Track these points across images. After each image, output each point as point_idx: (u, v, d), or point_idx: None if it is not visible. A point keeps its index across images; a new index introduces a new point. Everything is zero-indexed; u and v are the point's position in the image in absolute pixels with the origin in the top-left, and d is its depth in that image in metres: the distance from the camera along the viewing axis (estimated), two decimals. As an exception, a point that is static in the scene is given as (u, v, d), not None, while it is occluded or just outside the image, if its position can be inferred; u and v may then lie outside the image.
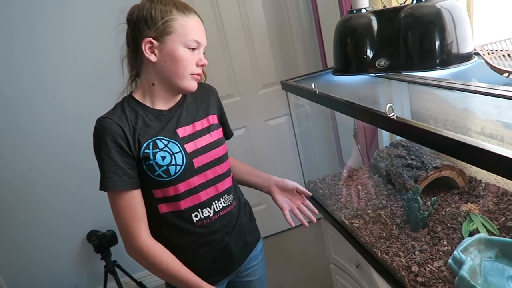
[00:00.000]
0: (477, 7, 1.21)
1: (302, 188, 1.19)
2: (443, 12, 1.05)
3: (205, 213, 1.01)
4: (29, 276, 2.34)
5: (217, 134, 1.07)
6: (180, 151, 0.97)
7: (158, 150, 0.95)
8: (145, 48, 0.93)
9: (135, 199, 0.93)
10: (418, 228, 1.09)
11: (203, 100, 1.10)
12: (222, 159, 1.06)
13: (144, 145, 0.94)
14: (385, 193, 1.33)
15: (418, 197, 1.10)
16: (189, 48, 0.94)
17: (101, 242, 2.21)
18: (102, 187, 0.92)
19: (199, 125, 1.04)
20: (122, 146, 0.92)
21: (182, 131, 1.00)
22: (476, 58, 1.08)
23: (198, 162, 1.00)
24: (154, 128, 0.97)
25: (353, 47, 1.24)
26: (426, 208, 1.15)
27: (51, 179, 2.23)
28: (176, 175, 0.96)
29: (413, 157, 1.31)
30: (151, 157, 0.94)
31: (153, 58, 0.93)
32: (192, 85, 0.98)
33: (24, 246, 2.29)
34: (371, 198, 1.33)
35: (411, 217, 1.10)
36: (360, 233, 1.16)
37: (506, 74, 0.87)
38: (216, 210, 1.03)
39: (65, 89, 2.14)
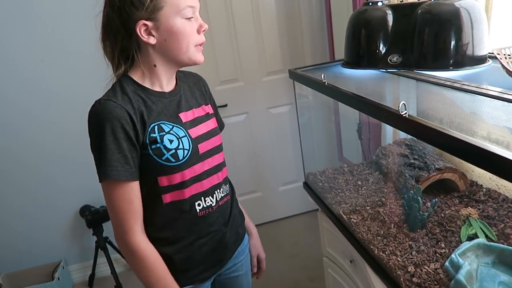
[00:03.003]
0: (496, 9, 1.18)
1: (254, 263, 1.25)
2: (461, 11, 1.03)
3: (208, 202, 0.99)
4: (16, 248, 2.33)
5: (213, 123, 1.05)
6: (186, 135, 0.94)
7: (164, 133, 0.91)
8: (141, 32, 0.86)
9: (134, 191, 0.89)
10: (416, 229, 1.08)
11: (196, 88, 1.06)
12: (220, 148, 1.04)
13: (149, 128, 0.89)
14: (385, 190, 1.32)
15: (419, 197, 1.09)
16: (186, 18, 0.87)
17: (94, 217, 2.20)
18: (104, 176, 0.85)
19: (197, 112, 1.01)
20: (128, 132, 0.86)
21: (184, 116, 0.97)
22: (490, 61, 1.06)
23: (202, 148, 0.97)
24: (157, 111, 0.92)
25: (366, 41, 1.21)
26: (425, 209, 1.14)
27: (47, 151, 2.21)
28: (184, 159, 0.92)
29: (416, 156, 1.30)
30: (159, 140, 0.89)
31: (152, 40, 0.87)
32: (199, 57, 0.92)
33: (13, 217, 2.28)
34: (370, 194, 1.32)
35: (410, 217, 1.09)
36: (357, 229, 1.16)
37: (522, 80, 0.85)
38: (218, 199, 1.01)
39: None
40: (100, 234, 2.23)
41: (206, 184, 0.98)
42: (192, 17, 0.88)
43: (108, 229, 2.31)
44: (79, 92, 2.13)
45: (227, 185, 1.07)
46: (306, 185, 1.55)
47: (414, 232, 1.08)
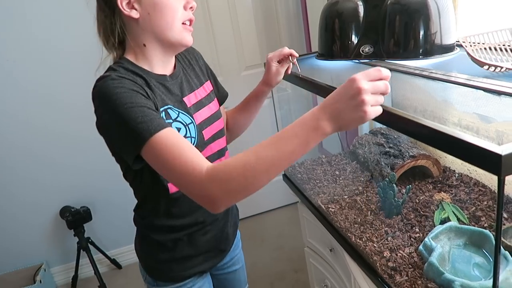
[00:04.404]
0: (462, -1, 1.21)
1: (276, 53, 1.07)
2: (429, 1, 1.05)
3: None
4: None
5: (215, 105, 1.01)
6: (192, 122, 0.89)
7: (171, 120, 0.84)
8: (122, 4, 0.79)
9: (177, 132, 0.77)
10: (392, 215, 1.11)
11: (194, 65, 1.01)
12: (223, 132, 1.01)
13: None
14: (362, 179, 1.35)
15: (394, 185, 1.12)
16: None
17: (75, 218, 2.18)
18: (148, 134, 0.71)
19: (199, 93, 0.96)
20: (145, 93, 0.78)
21: (188, 100, 0.91)
22: (458, 49, 1.09)
23: (206, 134, 0.93)
24: (161, 95, 0.85)
25: (338, 32, 1.23)
26: (401, 195, 1.17)
27: (24, 152, 2.16)
28: None
29: (391, 145, 1.33)
30: None
31: (134, 14, 0.81)
32: (187, 37, 0.86)
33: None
34: (348, 184, 1.34)
35: (386, 204, 1.12)
36: (335, 217, 1.18)
37: (486, 67, 0.88)
38: None
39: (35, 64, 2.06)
40: (82, 235, 2.21)
41: None
42: None
43: (90, 229, 2.29)
44: (58, 90, 2.10)
45: None
46: (286, 177, 1.57)
47: (390, 219, 1.11)
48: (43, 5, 1.97)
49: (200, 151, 0.86)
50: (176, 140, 0.72)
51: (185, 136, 0.85)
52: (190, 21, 0.87)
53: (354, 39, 1.20)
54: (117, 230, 2.40)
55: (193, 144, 0.88)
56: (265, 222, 2.73)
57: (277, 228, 2.62)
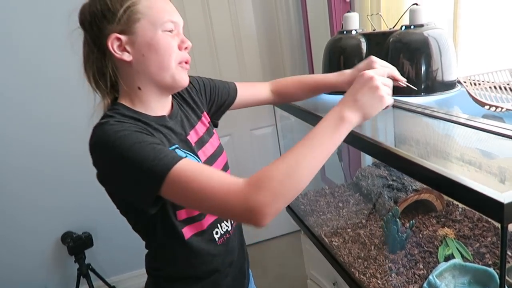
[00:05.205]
0: (462, 37, 1.24)
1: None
2: (430, 40, 1.08)
3: (224, 228, 0.90)
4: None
5: (216, 140, 0.97)
6: (199, 162, 0.84)
7: None
8: (113, 47, 0.75)
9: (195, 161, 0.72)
10: (396, 250, 1.11)
11: (187, 99, 0.96)
12: (227, 166, 0.97)
13: None
14: (365, 212, 1.35)
15: (397, 219, 1.12)
16: (167, 31, 0.77)
17: (76, 244, 2.16)
18: (166, 169, 0.66)
19: (200, 129, 0.92)
20: (149, 133, 0.74)
21: (191, 138, 0.87)
22: (459, 86, 1.11)
23: None
24: (166, 136, 0.81)
25: (342, 67, 1.26)
26: (404, 230, 1.17)
27: (25, 176, 2.17)
28: None
29: (394, 178, 1.34)
30: None
31: (126, 56, 0.76)
32: (184, 78, 0.81)
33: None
34: (351, 216, 1.34)
35: (390, 239, 1.12)
36: (339, 252, 1.18)
37: (487, 107, 0.90)
38: (232, 222, 0.94)
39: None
40: (82, 261, 2.18)
41: None
42: (173, 30, 0.79)
43: (90, 255, 2.27)
44: (56, 112, 2.12)
45: None
46: (289, 208, 1.57)
47: (394, 254, 1.10)
48: (31, 27, 2.01)
49: None
50: (198, 166, 0.69)
51: None
52: (187, 61, 0.82)
53: (357, 75, 1.22)
54: (118, 256, 2.39)
55: None
56: (266, 250, 2.71)
57: (278, 257, 2.60)
